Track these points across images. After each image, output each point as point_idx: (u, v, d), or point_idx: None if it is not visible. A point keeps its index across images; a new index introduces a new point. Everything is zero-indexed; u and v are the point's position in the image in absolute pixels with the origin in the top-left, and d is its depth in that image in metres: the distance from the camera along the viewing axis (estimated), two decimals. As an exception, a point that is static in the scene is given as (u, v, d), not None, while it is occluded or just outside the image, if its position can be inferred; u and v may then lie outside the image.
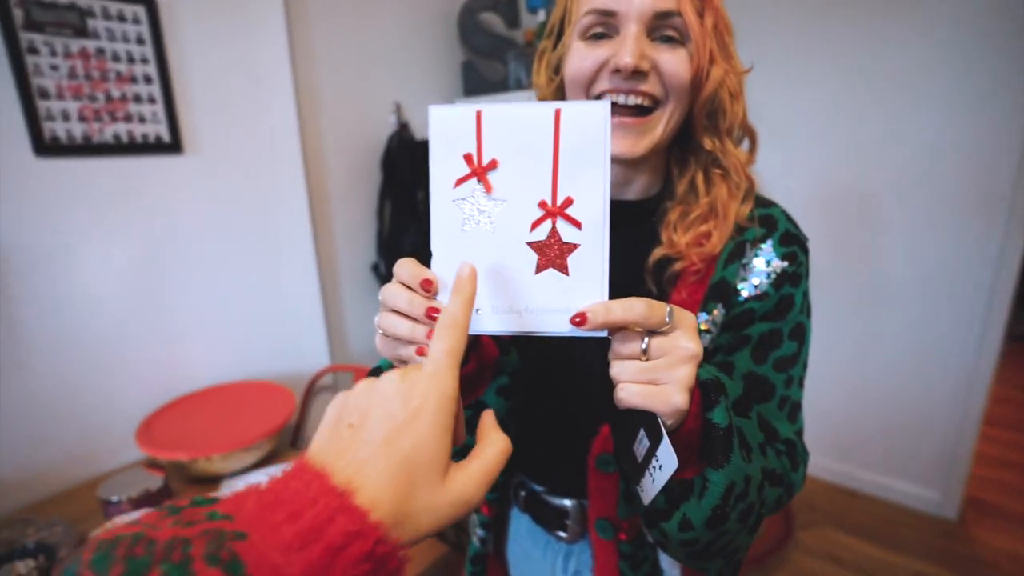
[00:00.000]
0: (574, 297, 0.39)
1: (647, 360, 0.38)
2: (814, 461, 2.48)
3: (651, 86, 0.52)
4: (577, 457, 0.62)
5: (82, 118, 1.15)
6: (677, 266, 0.57)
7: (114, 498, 1.01)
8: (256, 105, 1.46)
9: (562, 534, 0.67)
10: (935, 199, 1.92)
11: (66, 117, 1.13)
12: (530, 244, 0.38)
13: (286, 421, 1.26)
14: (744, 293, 0.57)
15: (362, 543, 0.24)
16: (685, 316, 0.39)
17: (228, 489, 1.16)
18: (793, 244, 0.58)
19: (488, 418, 0.35)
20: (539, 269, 0.39)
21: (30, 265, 1.13)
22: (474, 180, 0.38)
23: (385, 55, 1.87)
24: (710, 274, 0.57)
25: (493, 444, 0.33)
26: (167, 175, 1.31)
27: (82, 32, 1.13)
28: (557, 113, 0.36)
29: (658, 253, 0.57)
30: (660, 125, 0.54)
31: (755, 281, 0.57)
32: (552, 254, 0.38)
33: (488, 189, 0.38)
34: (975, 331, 1.94)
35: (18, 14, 1.06)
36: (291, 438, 1.60)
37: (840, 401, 2.28)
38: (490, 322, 0.39)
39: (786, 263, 0.57)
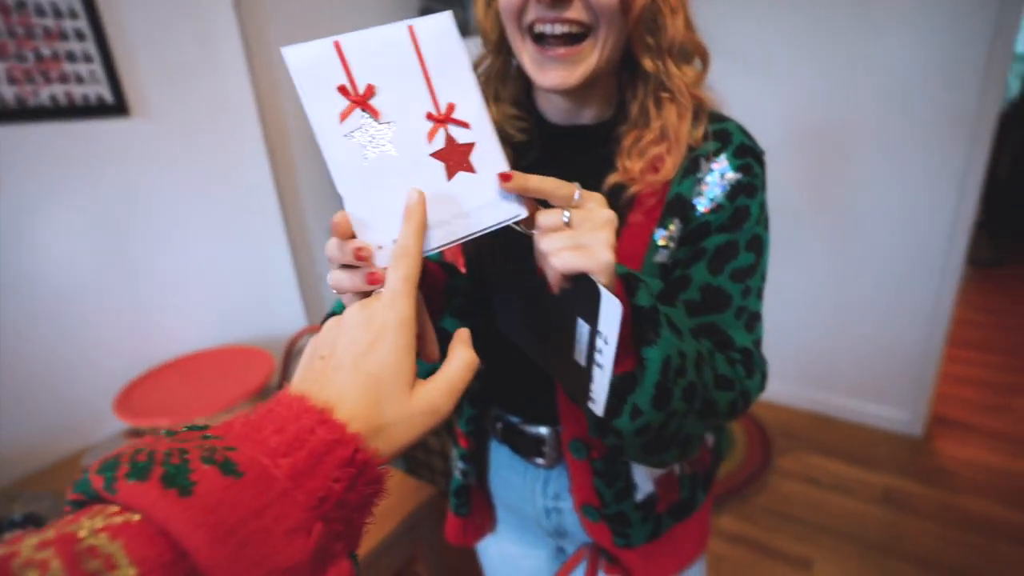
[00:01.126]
0: (488, 189, 0.41)
1: (572, 229, 0.41)
2: (792, 391, 2.57)
3: (576, 11, 0.51)
4: (547, 384, 0.63)
5: (12, 80, 1.08)
6: (632, 190, 0.56)
7: (96, 467, 1.01)
8: (205, 61, 1.39)
9: (540, 461, 0.69)
10: (902, 127, 1.93)
11: (-6, 79, 1.06)
12: (433, 155, 0.39)
13: (265, 382, 1.25)
14: (700, 208, 0.57)
15: (342, 450, 0.27)
16: (593, 193, 0.43)
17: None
18: (747, 156, 0.57)
19: (459, 335, 0.37)
20: (450, 175, 0.40)
21: (-21, 240, 1.08)
22: (358, 110, 0.37)
23: (337, 4, 1.78)
24: (666, 191, 0.57)
25: (459, 358, 0.35)
26: (116, 139, 1.25)
27: (0, -16, 1.05)
28: (411, 30, 0.37)
29: (612, 180, 0.57)
30: (594, 53, 0.53)
31: (710, 195, 0.57)
32: (456, 158, 0.40)
33: (376, 115, 0.37)
34: (939, 257, 2.00)
35: (-74, -34, 0.98)
36: (275, 401, 1.60)
37: (816, 332, 2.35)
38: (432, 239, 0.40)
39: (740, 174, 0.57)
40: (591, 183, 0.59)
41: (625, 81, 0.60)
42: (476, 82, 0.40)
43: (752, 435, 2.29)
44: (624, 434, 0.48)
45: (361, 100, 0.37)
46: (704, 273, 0.57)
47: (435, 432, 1.95)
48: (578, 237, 0.41)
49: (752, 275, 0.58)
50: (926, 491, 1.94)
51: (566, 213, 0.41)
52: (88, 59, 1.18)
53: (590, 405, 0.45)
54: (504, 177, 0.41)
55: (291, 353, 1.66)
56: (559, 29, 0.51)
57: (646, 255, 0.57)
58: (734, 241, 0.57)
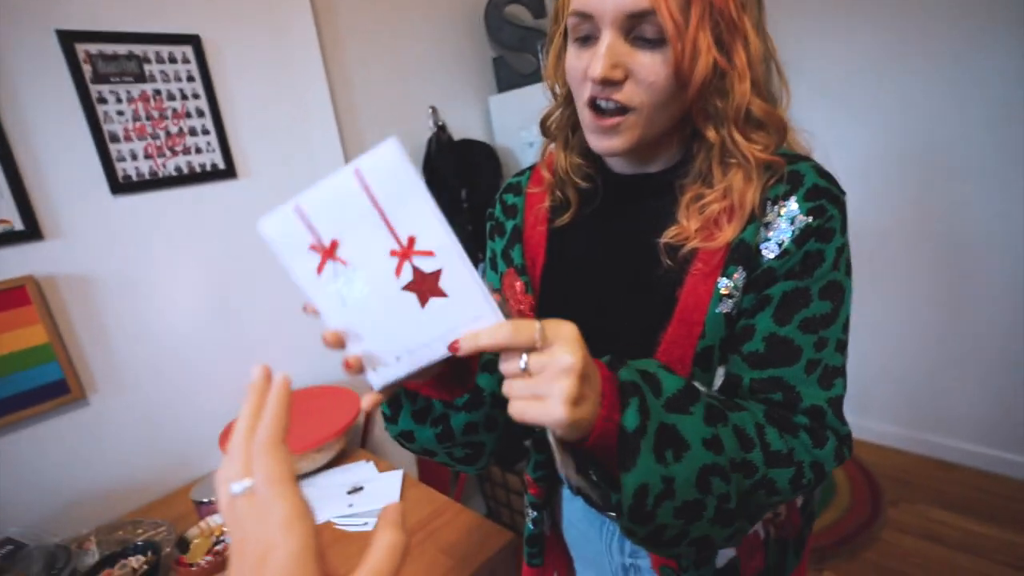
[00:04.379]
0: (463, 312, 0.41)
1: (530, 377, 0.40)
2: (903, 434, 2.32)
3: (625, 94, 0.52)
4: None
5: (147, 156, 1.26)
6: (689, 246, 0.56)
7: (205, 499, 1.11)
8: (299, 125, 1.54)
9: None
10: (1017, 143, 1.74)
11: (134, 156, 1.24)
12: (404, 288, 0.41)
13: (352, 422, 1.32)
14: (766, 254, 0.54)
15: None
16: (562, 329, 0.40)
17: (304, 488, 1.24)
18: (821, 198, 0.54)
19: (385, 514, 0.33)
20: (423, 302, 0.41)
21: (117, 294, 1.25)
22: (330, 262, 0.40)
23: (417, 62, 1.92)
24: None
25: (382, 544, 0.31)
26: (225, 199, 1.41)
27: (141, 78, 1.24)
28: (358, 173, 0.37)
29: (666, 238, 0.57)
30: (639, 126, 0.54)
31: (778, 240, 0.54)
32: (426, 286, 0.40)
33: (344, 263, 0.40)
34: (1079, 280, 1.75)
35: (87, 69, 1.17)
36: (360, 438, 1.68)
37: (928, 369, 2.12)
38: (412, 362, 0.43)
39: (810, 218, 0.53)
40: (652, 232, 0.59)
41: (692, 133, 0.60)
42: (434, 207, 0.38)
43: (857, 481, 2.08)
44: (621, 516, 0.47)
45: (329, 253, 0.40)
46: (769, 322, 0.54)
47: (515, 470, 1.94)
48: (535, 387, 0.39)
49: (828, 325, 0.54)
50: (1083, 557, 1.65)
51: (523, 358, 0.39)
52: (206, 132, 1.35)
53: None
54: (452, 348, 0.41)
55: (375, 391, 1.75)
56: (610, 105, 0.53)
57: (709, 305, 0.56)
58: (804, 288, 0.54)
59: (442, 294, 0.40)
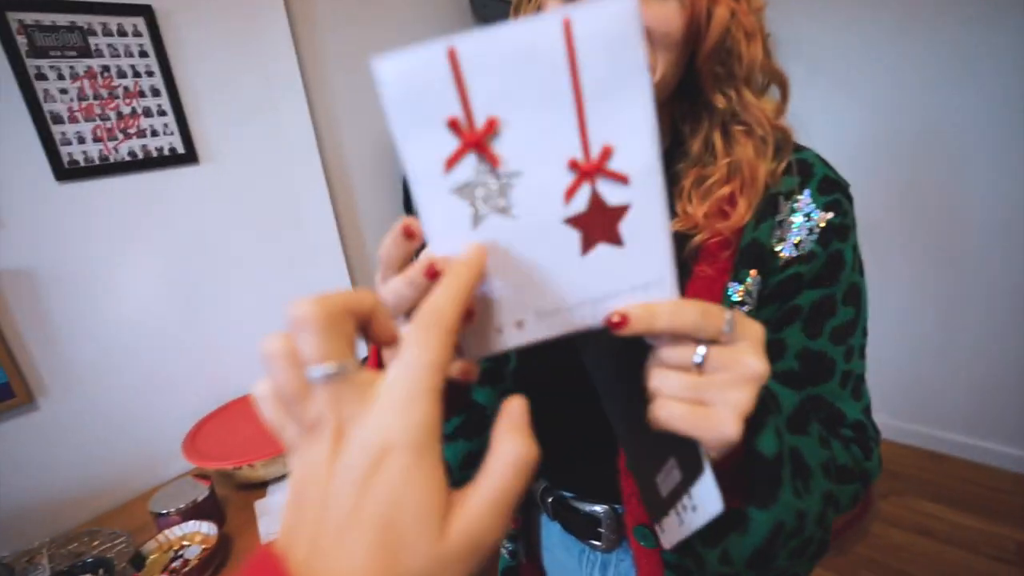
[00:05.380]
0: (634, 271, 0.29)
1: (700, 375, 0.30)
2: (893, 425, 2.30)
3: None
4: (605, 459, 0.56)
5: (96, 139, 1.16)
6: (698, 239, 0.48)
7: (163, 510, 1.04)
8: (267, 107, 1.44)
9: (596, 543, 0.61)
10: (1020, 131, 1.68)
11: (81, 139, 1.14)
12: (569, 221, 0.28)
13: (325, 423, 1.25)
14: (783, 255, 0.48)
15: None
16: (750, 326, 0.31)
17: (273, 495, 1.17)
18: (835, 191, 0.49)
19: (509, 413, 0.25)
20: (585, 248, 0.28)
21: (67, 289, 1.15)
22: (473, 155, 0.26)
23: (396, 37, 1.80)
24: (739, 238, 0.49)
25: (508, 454, 0.23)
26: (186, 186, 1.31)
27: (86, 52, 1.13)
28: (567, 25, 0.24)
29: (672, 228, 0.50)
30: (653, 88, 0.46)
31: (795, 240, 0.48)
32: (599, 225, 0.28)
33: (495, 163, 0.26)
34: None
35: (22, 42, 1.06)
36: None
37: (921, 360, 2.09)
38: (538, 330, 0.30)
39: (831, 214, 0.48)
40: None
41: (684, 112, 0.53)
42: (652, 113, 0.26)
43: (849, 475, 2.06)
44: (707, 566, 0.40)
45: (477, 140, 0.26)
46: (800, 337, 0.48)
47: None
48: (703, 390, 0.30)
49: (853, 332, 0.49)
50: (1073, 551, 1.64)
51: (701, 350, 0.30)
52: (162, 113, 1.25)
53: (657, 529, 0.37)
54: (615, 323, 0.29)
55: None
56: None
57: None
58: (831, 295, 0.48)
59: (617, 241, 0.28)
